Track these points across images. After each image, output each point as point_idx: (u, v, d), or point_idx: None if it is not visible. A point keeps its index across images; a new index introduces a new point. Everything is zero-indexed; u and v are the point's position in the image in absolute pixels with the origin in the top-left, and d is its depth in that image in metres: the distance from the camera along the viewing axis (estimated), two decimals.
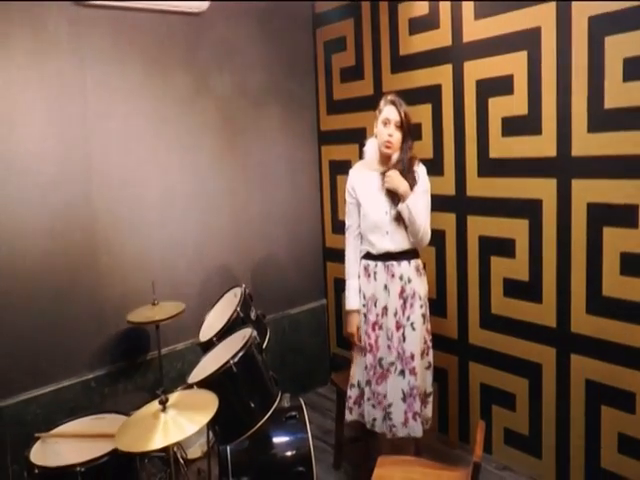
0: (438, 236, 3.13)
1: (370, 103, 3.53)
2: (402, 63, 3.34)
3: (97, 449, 1.99)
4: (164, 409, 1.94)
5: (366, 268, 2.70)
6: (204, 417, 1.92)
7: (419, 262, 2.70)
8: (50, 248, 2.90)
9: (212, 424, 2.18)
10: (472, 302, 3.09)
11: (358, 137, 3.52)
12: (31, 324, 2.84)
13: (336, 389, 3.20)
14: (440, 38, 3.08)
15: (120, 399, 3.07)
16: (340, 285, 4.00)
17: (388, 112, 2.57)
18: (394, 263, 2.62)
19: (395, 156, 2.60)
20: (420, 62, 3.21)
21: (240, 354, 2.28)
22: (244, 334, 2.45)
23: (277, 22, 3.77)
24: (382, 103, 2.62)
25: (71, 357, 3.00)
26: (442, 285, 3.24)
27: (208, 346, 2.64)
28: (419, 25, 3.19)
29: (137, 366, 3.25)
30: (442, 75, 3.09)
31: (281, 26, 3.80)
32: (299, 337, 4.00)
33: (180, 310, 2.95)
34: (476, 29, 2.89)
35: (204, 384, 2.21)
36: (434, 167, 3.11)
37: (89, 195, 3.03)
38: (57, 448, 2.13)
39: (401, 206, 2.56)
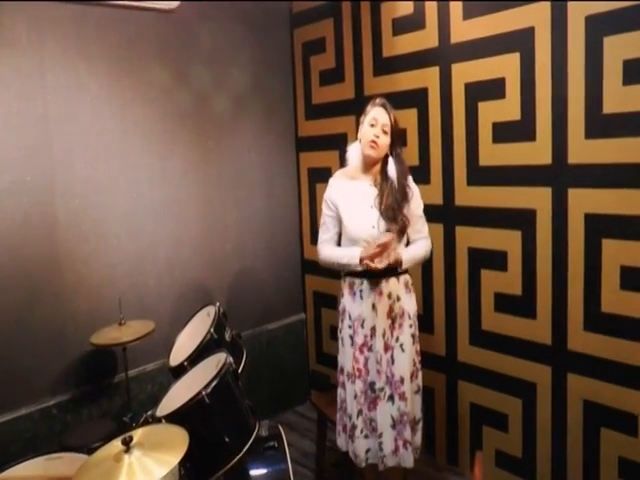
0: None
1: (351, 107, 3.38)
2: (385, 65, 3.17)
3: None
4: (128, 449, 1.70)
5: (351, 286, 2.51)
6: (174, 457, 1.68)
7: (408, 278, 2.53)
8: (6, 262, 2.65)
9: (183, 462, 1.95)
10: (461, 317, 2.92)
11: (338, 143, 3.34)
12: None
13: (317, 411, 3.00)
14: (426, 39, 2.92)
15: (84, 427, 2.80)
16: (320, 298, 3.82)
17: (376, 113, 2.41)
18: (382, 281, 2.44)
19: (391, 169, 2.42)
20: (405, 64, 3.05)
21: (213, 384, 2.05)
22: (218, 359, 2.23)
23: (254, 21, 3.58)
24: (369, 106, 2.45)
25: (29, 382, 2.75)
26: (429, 299, 3.07)
27: (179, 371, 2.41)
28: (403, 25, 3.03)
29: (103, 390, 3.00)
30: (428, 78, 2.93)
31: (258, 25, 3.60)
32: (277, 353, 3.79)
33: (149, 330, 2.72)
34: (465, 29, 2.74)
35: (173, 418, 1.98)
36: (420, 174, 2.96)
37: (50, 205, 2.78)
38: None
39: (400, 269, 2.44)
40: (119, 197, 3.03)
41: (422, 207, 2.54)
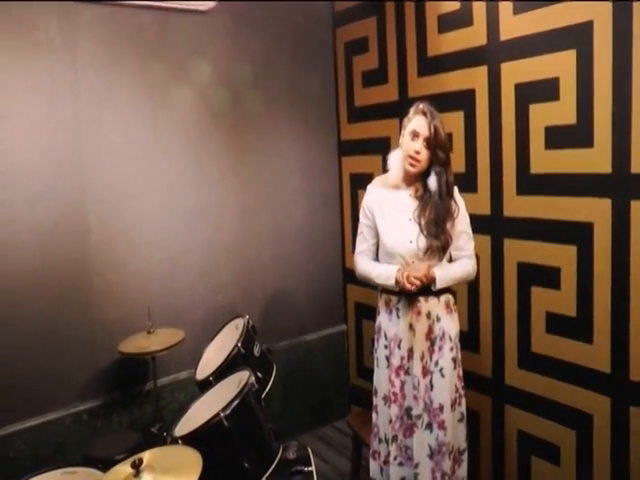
0: None
1: (395, 110, 3.20)
2: (430, 65, 2.97)
3: None
4: (137, 474, 1.61)
5: (387, 303, 2.35)
6: None
7: (450, 297, 2.34)
8: (37, 267, 2.63)
9: None
10: (509, 337, 2.69)
11: (382, 148, 3.18)
12: (15, 349, 2.60)
13: (352, 433, 2.85)
14: (474, 36, 2.70)
15: (109, 438, 2.73)
16: (361, 310, 3.66)
17: (417, 124, 2.22)
18: (420, 299, 2.27)
19: (432, 183, 2.23)
20: (451, 64, 2.84)
21: (233, 405, 1.95)
22: (240, 378, 2.12)
23: (295, 20, 3.44)
24: (412, 111, 2.27)
25: (60, 387, 2.73)
26: (475, 316, 2.85)
27: (204, 385, 2.34)
28: (450, 22, 2.82)
29: (134, 397, 2.96)
30: (476, 78, 2.72)
31: (299, 25, 3.47)
32: (316, 366, 3.65)
33: (179, 339, 2.65)
34: (515, 25, 2.51)
35: (190, 439, 1.88)
36: (466, 183, 2.75)
37: (81, 209, 2.75)
38: None
39: (434, 289, 2.25)
40: (151, 202, 2.97)
41: (467, 222, 2.35)
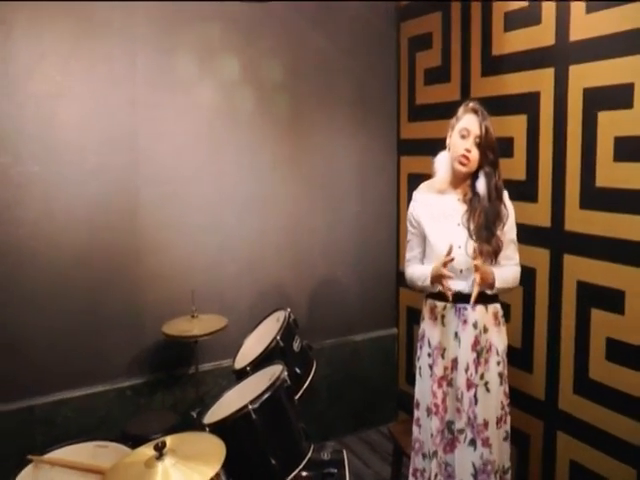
0: (527, 274, 2.59)
1: (456, 110, 3.03)
2: (494, 65, 2.80)
3: None
4: (159, 457, 1.60)
5: (432, 310, 2.25)
6: (206, 472, 1.55)
7: (498, 308, 2.23)
8: (87, 244, 2.73)
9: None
10: (565, 360, 2.52)
11: (441, 149, 3.02)
12: (67, 321, 2.71)
13: (393, 442, 2.78)
14: (541, 36, 2.51)
15: (148, 416, 2.81)
16: (413, 315, 3.55)
17: (468, 122, 2.13)
18: (467, 307, 2.16)
19: (481, 185, 2.13)
20: (516, 64, 2.66)
21: (262, 399, 1.91)
22: (273, 372, 2.09)
23: (358, 13, 3.35)
24: (461, 110, 2.19)
25: (107, 362, 2.83)
26: (529, 333, 2.69)
27: (241, 375, 2.32)
28: (516, 20, 2.64)
29: (178, 379, 3.01)
30: (542, 81, 2.53)
31: (362, 17, 3.37)
32: (363, 367, 3.59)
33: (222, 326, 2.67)
34: (587, 25, 2.31)
35: (216, 428, 1.87)
36: (526, 191, 2.60)
37: (133, 190, 2.81)
38: (44, 478, 1.90)
39: (492, 292, 2.16)
40: (203, 188, 2.99)
41: (515, 230, 2.23)
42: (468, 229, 2.15)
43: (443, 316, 2.21)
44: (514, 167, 2.66)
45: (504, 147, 2.68)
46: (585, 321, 2.41)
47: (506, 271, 2.20)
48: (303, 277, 3.35)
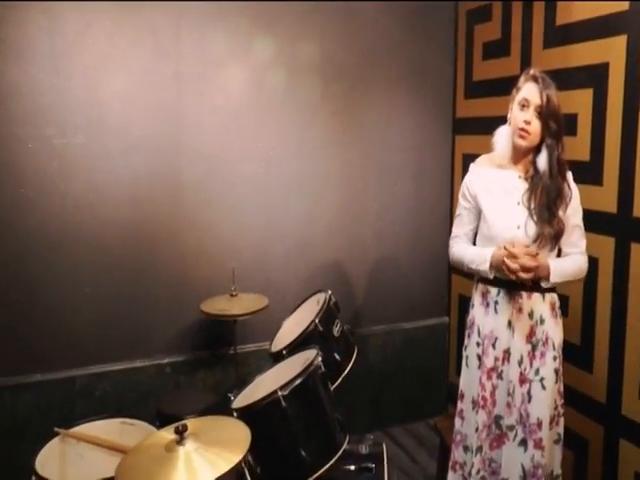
0: (589, 264, 2.37)
1: (516, 82, 2.82)
2: (559, 35, 2.57)
3: (109, 465, 1.67)
4: (180, 440, 1.55)
5: (484, 295, 2.10)
6: (228, 460, 1.47)
7: (556, 298, 2.06)
8: (131, 217, 2.72)
9: (246, 473, 1.74)
10: (630, 361, 2.29)
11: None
12: (108, 294, 2.72)
13: (440, 438, 2.64)
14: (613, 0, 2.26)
15: (184, 394, 2.76)
16: (465, 303, 3.36)
17: (528, 91, 1.97)
18: (523, 294, 2.01)
19: (542, 160, 1.97)
20: (582, 33, 2.42)
21: (293, 385, 1.83)
22: (307, 357, 2.00)
23: None
24: (522, 79, 2.02)
25: (147, 337, 2.83)
26: (590, 329, 2.48)
27: (278, 358, 2.26)
28: None
29: (220, 358, 2.97)
30: (611, 50, 2.29)
31: None
32: (413, 357, 3.45)
33: (262, 306, 2.58)
34: None
35: (244, 414, 1.80)
36: (590, 173, 2.38)
37: (178, 165, 2.78)
38: (71, 451, 1.92)
39: (547, 284, 2.00)
40: (249, 165, 2.92)
41: (581, 215, 2.05)
42: (528, 208, 1.99)
43: (496, 302, 2.05)
44: (577, 146, 2.43)
45: (566, 124, 2.46)
46: None
47: (567, 263, 2.04)
48: (353, 260, 3.24)
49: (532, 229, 1.97)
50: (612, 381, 2.38)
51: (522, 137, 1.97)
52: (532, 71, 1.99)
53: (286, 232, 3.04)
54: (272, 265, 3.03)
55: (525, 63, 2.78)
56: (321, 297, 2.43)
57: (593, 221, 2.34)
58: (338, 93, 3.07)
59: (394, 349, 3.40)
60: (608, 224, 2.33)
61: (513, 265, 1.92)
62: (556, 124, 1.94)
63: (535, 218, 1.97)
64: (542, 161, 1.97)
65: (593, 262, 2.38)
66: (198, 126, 2.80)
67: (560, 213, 1.97)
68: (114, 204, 2.68)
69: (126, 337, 2.78)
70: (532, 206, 1.98)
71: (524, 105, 1.96)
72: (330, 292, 2.41)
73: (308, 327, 2.21)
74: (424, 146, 3.35)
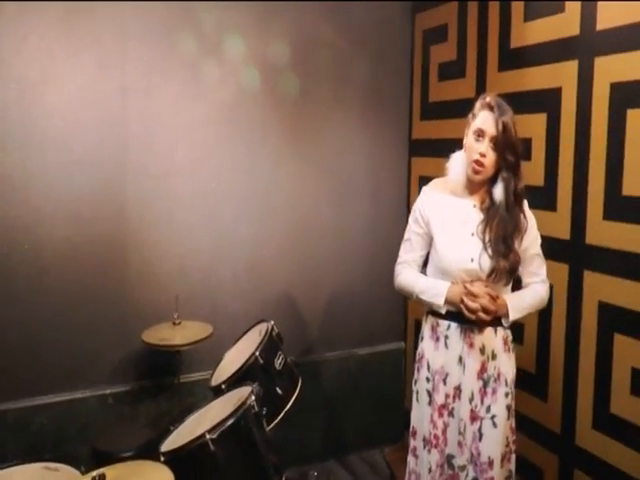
0: None
1: (472, 105, 2.78)
2: (513, 58, 2.54)
3: None
4: None
5: (434, 328, 2.02)
6: None
7: (508, 332, 1.98)
8: (71, 236, 2.57)
9: None
10: (583, 391, 2.24)
11: (455, 150, 2.77)
12: (47, 319, 2.56)
13: (389, 471, 2.54)
14: (565, 25, 2.24)
15: (129, 428, 2.60)
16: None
17: (483, 121, 1.87)
18: (474, 329, 1.92)
19: (498, 192, 1.88)
20: (536, 57, 2.40)
21: (222, 428, 1.70)
22: (240, 395, 1.87)
23: (371, 4, 3.11)
24: (477, 105, 1.92)
25: (88, 366, 2.66)
26: (544, 356, 2.42)
27: (217, 392, 2.13)
28: (538, 8, 2.37)
29: (164, 388, 2.80)
30: (564, 75, 2.26)
31: (375, 8, 3.12)
32: (368, 383, 3.34)
33: (205, 336, 2.43)
34: (616, 12, 2.03)
35: (171, 458, 1.67)
36: (544, 198, 2.34)
37: (121, 183, 2.65)
38: None
39: (507, 323, 1.93)
40: (197, 184, 2.80)
41: (539, 242, 1.98)
42: (483, 241, 1.89)
43: (447, 337, 1.97)
44: (532, 171, 2.40)
45: (521, 152, 2.43)
46: (607, 347, 2.13)
47: (525, 296, 1.98)
48: (307, 284, 3.13)
49: (486, 262, 1.88)
50: (566, 411, 2.32)
51: (476, 172, 1.88)
52: (488, 98, 1.89)
53: (235, 254, 2.92)
54: (220, 289, 2.90)
55: (480, 85, 2.75)
56: (263, 328, 2.31)
57: (547, 247, 2.28)
58: (291, 112, 2.98)
59: (348, 375, 3.28)
60: (561, 251, 2.29)
61: (473, 305, 1.84)
62: (513, 155, 1.85)
63: (490, 251, 1.88)
64: (498, 193, 1.89)
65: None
66: (144, 142, 2.68)
67: (516, 246, 1.89)
68: (54, 225, 2.53)
69: (65, 366, 2.61)
70: (487, 238, 1.89)
71: (479, 135, 1.87)
72: (272, 322, 2.30)
73: (248, 360, 2.10)
74: (380, 167, 3.28)
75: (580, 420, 2.25)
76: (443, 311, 1.94)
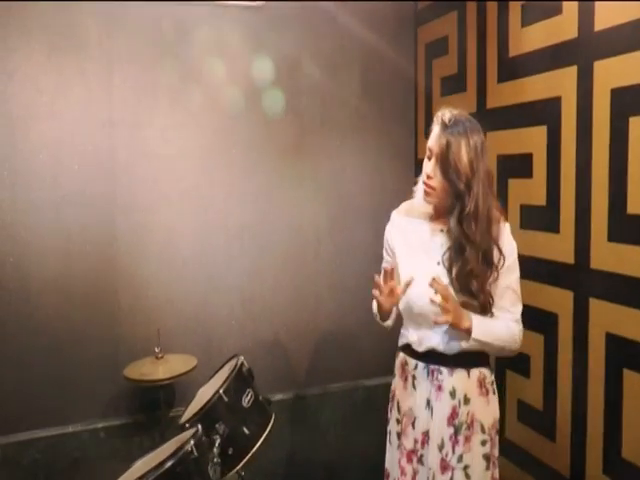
0: (549, 320, 2.12)
1: None
2: (512, 68, 2.36)
3: None
4: None
5: (403, 366, 1.83)
6: None
7: (485, 373, 1.75)
8: (61, 273, 2.52)
9: None
10: (593, 432, 2.00)
11: None
12: (34, 355, 2.49)
13: None
14: (562, 28, 2.06)
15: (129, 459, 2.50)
16: None
17: (432, 137, 1.65)
18: (443, 370, 1.71)
19: (452, 223, 1.65)
20: (534, 64, 2.22)
21: (154, 476, 1.52)
22: (181, 440, 1.70)
23: (373, 18, 2.98)
24: (434, 120, 1.68)
25: (79, 400, 2.58)
26: (551, 393, 2.18)
27: (184, 430, 1.97)
28: (535, 11, 2.20)
29: (157, 422, 2.66)
30: (563, 83, 2.07)
31: (378, 22, 3.00)
32: (377, 416, 3.12)
33: (188, 368, 2.33)
34: (616, 11, 1.84)
35: None
36: (547, 219, 2.14)
37: (110, 217, 2.58)
38: None
39: (467, 344, 1.65)
40: (188, 216, 2.70)
41: (517, 276, 1.70)
42: (449, 272, 1.66)
43: (414, 377, 1.77)
44: (534, 190, 2.20)
45: (522, 165, 2.24)
46: (617, 384, 1.89)
47: (496, 322, 1.68)
48: (306, 315, 2.97)
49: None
50: (575, 453, 2.07)
51: (427, 193, 1.66)
52: (441, 111, 1.64)
53: (229, 287, 2.80)
54: (214, 323, 2.78)
55: (481, 99, 2.57)
56: (232, 363, 2.17)
57: (550, 271, 2.09)
58: (287, 136, 2.85)
59: (354, 408, 3.08)
60: (566, 276, 2.06)
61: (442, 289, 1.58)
62: (461, 179, 1.56)
63: (457, 287, 1.64)
64: (453, 223, 1.64)
65: (553, 318, 2.12)
66: (133, 175, 2.60)
67: (489, 282, 1.65)
68: (42, 262, 2.48)
69: (56, 401, 2.54)
70: (454, 271, 1.64)
71: (428, 156, 1.65)
72: (242, 358, 2.15)
73: (212, 398, 1.95)
74: (384, 191, 3.08)
75: (590, 464, 2.00)
76: (386, 325, 1.86)
